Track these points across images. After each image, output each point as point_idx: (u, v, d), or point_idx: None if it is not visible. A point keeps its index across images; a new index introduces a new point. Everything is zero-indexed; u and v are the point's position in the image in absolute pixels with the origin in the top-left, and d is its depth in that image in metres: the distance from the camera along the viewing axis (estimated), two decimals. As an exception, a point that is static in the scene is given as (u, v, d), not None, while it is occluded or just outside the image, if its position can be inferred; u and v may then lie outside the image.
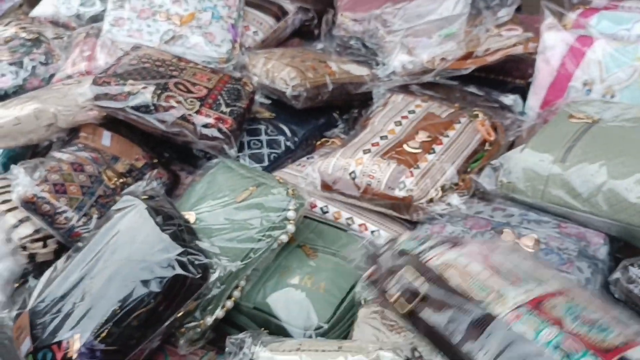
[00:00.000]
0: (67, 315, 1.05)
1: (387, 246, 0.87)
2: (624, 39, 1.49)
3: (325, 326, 1.09)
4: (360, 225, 1.32)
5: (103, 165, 1.42)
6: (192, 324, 1.10)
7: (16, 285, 1.31)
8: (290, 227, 1.19)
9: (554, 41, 1.50)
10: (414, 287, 0.82)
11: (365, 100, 1.70)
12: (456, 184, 1.30)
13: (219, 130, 1.46)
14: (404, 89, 1.62)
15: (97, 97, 1.47)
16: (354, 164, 1.30)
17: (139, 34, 1.79)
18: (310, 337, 1.08)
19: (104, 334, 1.00)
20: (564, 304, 0.74)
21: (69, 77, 1.74)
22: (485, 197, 1.30)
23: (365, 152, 1.32)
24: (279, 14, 2.02)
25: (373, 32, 1.78)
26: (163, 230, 1.09)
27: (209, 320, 1.11)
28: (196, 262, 1.07)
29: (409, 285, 0.82)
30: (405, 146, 1.32)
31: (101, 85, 1.47)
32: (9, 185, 1.36)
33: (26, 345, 1.06)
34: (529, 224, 1.17)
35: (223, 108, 1.49)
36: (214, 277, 1.10)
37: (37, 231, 1.33)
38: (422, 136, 1.36)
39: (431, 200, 1.25)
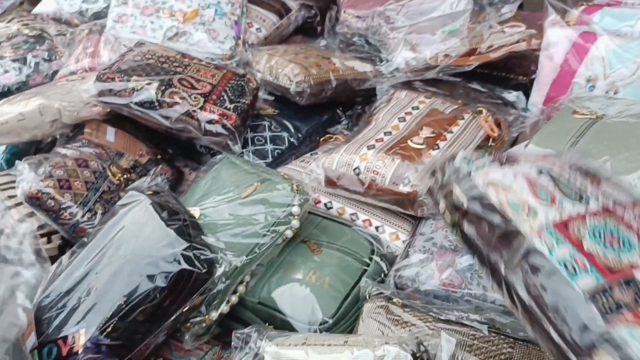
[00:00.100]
0: (73, 310, 1.05)
1: (445, 162, 0.91)
2: (627, 36, 1.49)
3: (330, 321, 1.09)
4: (364, 220, 1.33)
5: (107, 161, 1.42)
6: (198, 318, 1.10)
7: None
8: (295, 223, 1.20)
9: (557, 37, 1.50)
10: (460, 202, 0.86)
11: (368, 97, 1.70)
12: (461, 180, 1.30)
13: (223, 126, 1.46)
14: (407, 85, 1.62)
15: (101, 93, 1.47)
16: (358, 159, 1.30)
17: (143, 30, 1.79)
18: (315, 332, 1.09)
19: (109, 329, 1.01)
20: (592, 224, 0.77)
21: (73, 73, 1.74)
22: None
23: (370, 148, 1.32)
24: (282, 11, 2.02)
25: (376, 29, 1.78)
26: (168, 226, 1.09)
27: (214, 315, 1.11)
28: (202, 257, 1.07)
29: (456, 200, 0.87)
30: (409, 142, 1.33)
31: (105, 82, 1.47)
32: (13, 181, 1.36)
33: (31, 340, 1.06)
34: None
35: (227, 104, 1.49)
36: (219, 272, 1.10)
37: (41, 227, 1.33)
38: (426, 132, 1.36)
39: (435, 196, 1.24)
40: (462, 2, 1.71)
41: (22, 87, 1.79)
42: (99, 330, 1.00)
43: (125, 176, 1.41)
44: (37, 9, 2.15)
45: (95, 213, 1.32)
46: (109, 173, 1.39)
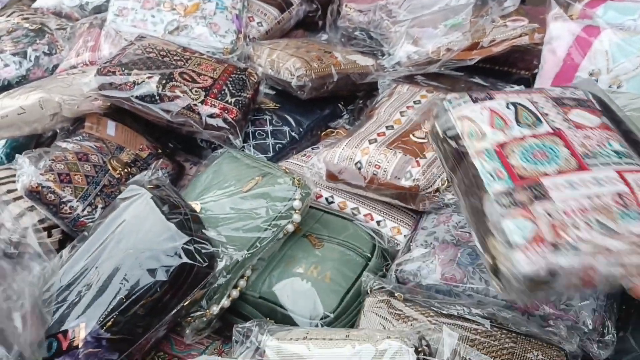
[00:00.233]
0: (73, 304, 1.05)
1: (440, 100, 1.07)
2: (631, 29, 1.48)
3: (331, 315, 1.09)
4: (365, 215, 1.32)
5: (108, 155, 1.41)
6: (198, 313, 1.10)
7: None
8: (296, 217, 1.19)
9: (560, 31, 1.49)
10: (438, 132, 1.03)
11: (370, 91, 1.70)
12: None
13: (224, 120, 1.46)
14: (409, 79, 1.61)
15: (101, 87, 1.46)
16: (360, 154, 1.30)
17: (143, 24, 1.78)
18: (317, 326, 1.08)
19: (109, 323, 1.00)
20: (528, 143, 0.92)
21: (73, 67, 1.73)
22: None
23: (371, 142, 1.32)
24: (283, 5, 2.01)
25: (378, 23, 1.78)
26: (169, 219, 1.09)
27: (215, 309, 1.11)
28: (203, 251, 1.07)
29: (436, 131, 1.04)
30: (411, 136, 1.32)
31: (106, 75, 1.46)
32: (13, 175, 1.36)
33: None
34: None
35: (228, 98, 1.49)
36: (220, 266, 1.10)
37: (41, 221, 1.33)
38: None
39: (437, 190, 1.24)
40: (465, -4, 1.71)
41: (22, 81, 1.79)
42: (100, 324, 1.00)
43: (125, 170, 1.41)
44: (38, 3, 2.15)
45: (96, 207, 1.31)
46: (109, 167, 1.39)
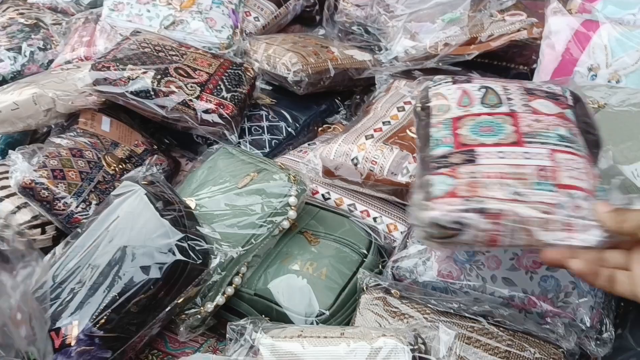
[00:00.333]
0: (66, 302, 1.04)
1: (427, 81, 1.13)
2: (630, 24, 1.47)
3: (327, 313, 1.08)
4: (362, 211, 1.31)
5: (102, 150, 1.40)
6: (192, 310, 1.09)
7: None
8: (292, 213, 1.18)
9: (559, 26, 1.48)
10: (416, 105, 1.08)
11: (367, 86, 1.69)
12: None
13: (220, 115, 1.45)
14: (407, 74, 1.60)
15: (96, 82, 1.45)
16: (357, 149, 1.28)
17: (139, 18, 1.77)
18: (312, 324, 1.07)
19: (102, 321, 0.99)
20: (481, 119, 0.96)
21: (68, 62, 1.72)
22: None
23: (368, 137, 1.31)
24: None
25: (375, 17, 1.76)
26: (163, 216, 1.08)
27: (210, 306, 1.10)
28: (197, 248, 1.06)
29: (416, 103, 1.09)
30: (408, 131, 1.31)
31: (100, 70, 1.45)
32: (6, 172, 1.35)
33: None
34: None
35: (224, 93, 1.48)
36: (214, 263, 1.09)
37: (35, 217, 1.32)
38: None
39: (434, 186, 1.23)
40: (463, -10, 1.69)
41: (17, 76, 1.77)
42: (92, 322, 0.99)
43: (120, 166, 1.40)
44: (33, -2, 2.13)
45: (90, 203, 1.30)
46: (104, 163, 1.38)
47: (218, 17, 1.79)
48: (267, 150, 1.52)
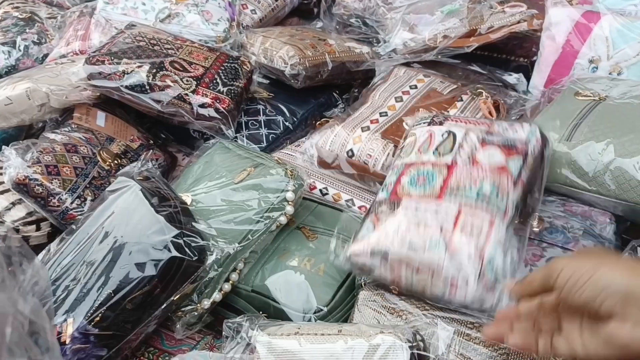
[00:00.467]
0: (61, 299, 1.03)
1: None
2: (632, 15, 1.45)
3: (325, 309, 1.07)
4: (360, 207, 1.30)
5: (97, 146, 1.39)
6: (189, 307, 1.08)
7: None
8: (289, 209, 1.17)
9: (559, 17, 1.46)
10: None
11: (365, 79, 1.67)
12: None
13: (216, 110, 1.43)
14: (406, 66, 1.58)
15: (90, 76, 1.44)
16: (352, 142, 1.27)
17: (134, 12, 1.75)
18: (310, 320, 1.06)
19: (97, 318, 0.98)
20: (422, 169, 1.04)
21: (63, 56, 1.70)
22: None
23: (364, 129, 1.29)
24: (278, -8, 1.97)
25: (373, 9, 1.75)
26: (158, 212, 1.07)
27: (206, 303, 1.09)
28: (192, 245, 1.05)
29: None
30: (404, 124, 1.29)
31: (95, 64, 1.43)
32: (0, 168, 1.33)
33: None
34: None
35: (220, 87, 1.46)
36: (211, 259, 1.08)
37: (29, 214, 1.30)
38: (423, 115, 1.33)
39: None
40: (462, -19, 1.67)
41: (11, 70, 1.75)
42: (87, 320, 0.98)
43: (116, 161, 1.38)
44: (28, -8, 2.11)
45: (85, 199, 1.29)
46: (99, 158, 1.36)
47: (214, 10, 1.76)
48: (264, 144, 1.51)
